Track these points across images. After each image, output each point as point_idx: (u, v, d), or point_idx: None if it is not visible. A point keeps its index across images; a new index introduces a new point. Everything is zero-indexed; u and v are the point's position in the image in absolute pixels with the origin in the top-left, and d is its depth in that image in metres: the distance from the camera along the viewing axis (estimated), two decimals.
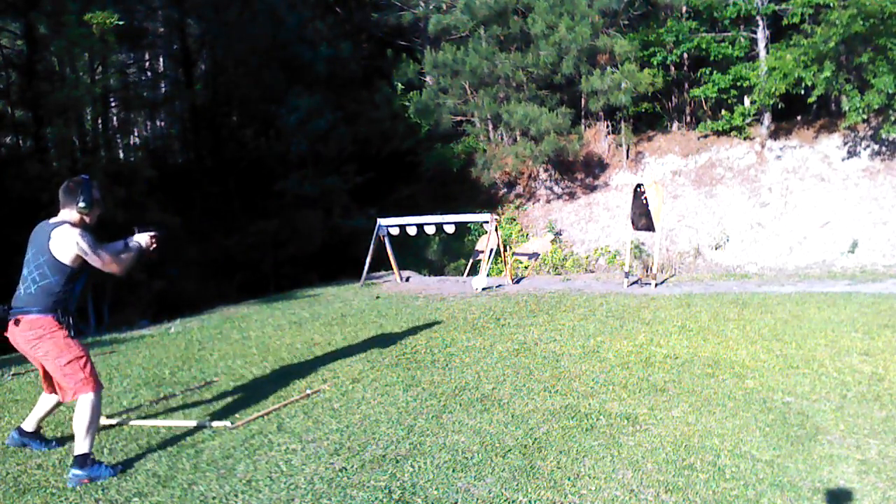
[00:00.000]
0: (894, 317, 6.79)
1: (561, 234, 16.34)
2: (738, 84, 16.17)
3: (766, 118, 16.40)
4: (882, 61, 13.50)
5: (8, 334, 3.56)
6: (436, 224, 10.98)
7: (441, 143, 18.14)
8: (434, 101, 17.07)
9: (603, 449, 3.65)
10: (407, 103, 17.61)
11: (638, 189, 10.10)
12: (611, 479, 3.28)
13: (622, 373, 5.14)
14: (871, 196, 14.48)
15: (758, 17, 16.11)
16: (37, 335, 3.47)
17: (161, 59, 25.31)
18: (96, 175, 10.78)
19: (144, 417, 4.45)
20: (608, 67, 16.39)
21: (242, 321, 8.45)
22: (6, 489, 3.35)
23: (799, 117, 16.93)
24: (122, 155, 21.28)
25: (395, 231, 11.28)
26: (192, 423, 4.25)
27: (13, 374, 5.87)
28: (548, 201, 17.56)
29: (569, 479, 3.28)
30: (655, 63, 16.94)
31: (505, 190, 18.25)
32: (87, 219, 3.56)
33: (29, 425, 3.87)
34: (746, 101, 16.62)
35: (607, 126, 18.12)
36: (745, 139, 16.69)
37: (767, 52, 15.88)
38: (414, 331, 7.14)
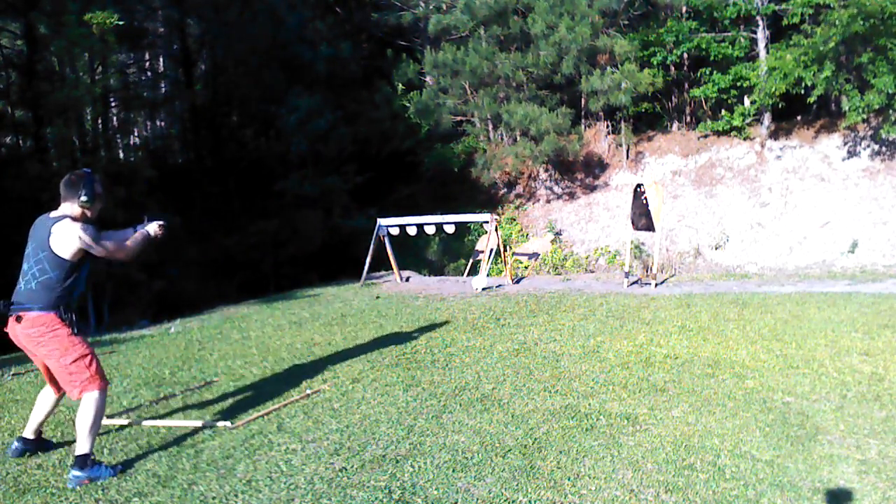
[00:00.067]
0: (894, 317, 6.79)
1: (561, 234, 16.34)
2: (738, 84, 16.17)
3: (766, 118, 16.40)
4: (882, 61, 13.49)
5: (8, 330, 3.52)
6: (436, 224, 10.98)
7: (441, 143, 18.14)
8: (434, 101, 17.06)
9: (603, 449, 3.65)
10: (407, 103, 17.60)
11: (638, 189, 10.10)
12: (611, 479, 3.28)
13: (622, 373, 5.14)
14: (871, 196, 14.47)
15: (758, 17, 16.11)
16: (39, 332, 3.42)
17: (161, 59, 25.32)
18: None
19: (153, 417, 4.45)
20: (608, 67, 16.39)
21: (242, 321, 8.46)
22: (6, 489, 3.35)
23: (799, 117, 16.93)
24: (122, 155, 21.29)
25: (395, 231, 11.28)
26: (199, 424, 4.25)
27: (13, 374, 5.87)
28: (548, 201, 17.56)
29: (569, 479, 3.28)
30: (655, 63, 16.93)
31: (505, 190, 18.25)
32: (88, 213, 3.52)
33: (29, 432, 3.80)
34: (746, 101, 16.62)
35: (607, 126, 18.12)
36: (745, 139, 16.69)
37: (767, 52, 15.87)
38: (414, 331, 7.14)
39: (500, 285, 10.73)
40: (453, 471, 3.41)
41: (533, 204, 17.68)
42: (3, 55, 15.07)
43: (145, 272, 13.53)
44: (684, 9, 17.20)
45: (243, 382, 5.30)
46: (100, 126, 16.96)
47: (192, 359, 6.25)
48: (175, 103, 22.50)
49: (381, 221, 11.31)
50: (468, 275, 12.50)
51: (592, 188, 17.39)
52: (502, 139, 18.16)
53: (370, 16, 20.23)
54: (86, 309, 12.67)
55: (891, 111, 13.95)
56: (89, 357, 3.50)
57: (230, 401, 4.79)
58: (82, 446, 3.42)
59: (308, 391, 4.89)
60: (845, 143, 15.57)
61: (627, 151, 17.57)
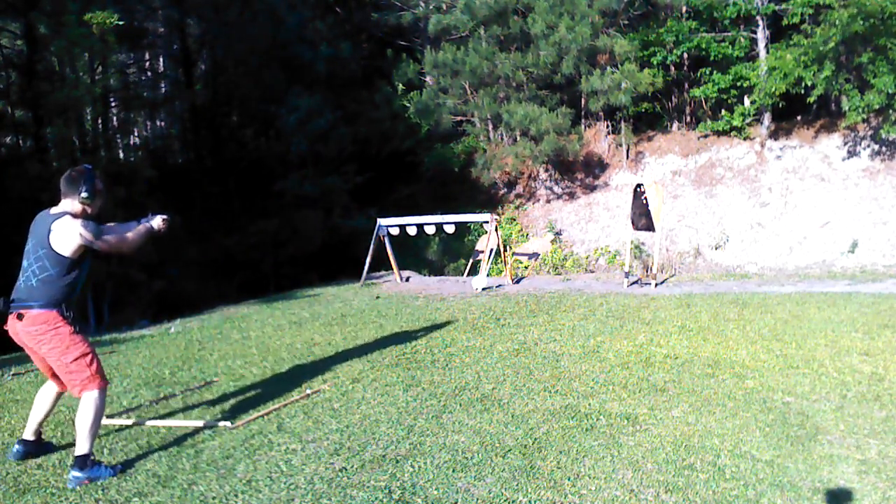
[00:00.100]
0: (894, 317, 6.79)
1: (561, 234, 16.34)
2: (738, 84, 16.17)
3: (766, 118, 16.40)
4: (882, 61, 13.49)
5: (8, 328, 3.49)
6: (436, 224, 10.98)
7: (441, 143, 18.14)
8: (434, 101, 17.06)
9: (603, 449, 3.65)
10: (407, 103, 17.60)
11: (638, 189, 10.10)
12: (611, 479, 3.28)
13: (622, 373, 5.14)
14: (871, 196, 14.47)
15: (758, 17, 16.11)
16: (41, 330, 3.39)
17: (161, 59, 25.32)
18: None
19: (153, 418, 4.44)
20: (608, 67, 16.39)
21: (242, 321, 8.46)
22: (6, 489, 3.35)
23: (799, 117, 16.93)
24: (122, 155, 21.31)
25: (395, 231, 11.28)
26: (200, 423, 4.25)
27: (13, 374, 5.87)
28: (548, 201, 17.56)
29: (569, 479, 3.28)
30: (655, 63, 16.93)
31: (505, 190, 18.25)
32: (89, 209, 3.50)
33: (29, 433, 3.77)
34: (746, 101, 16.62)
35: (607, 126, 18.11)
36: (745, 139, 16.69)
37: (767, 52, 15.87)
38: (414, 331, 7.14)
39: (500, 285, 10.73)
40: (453, 471, 3.41)
41: (533, 204, 17.68)
42: (3, 55, 15.07)
43: (145, 272, 13.54)
44: (684, 9, 17.20)
45: (243, 382, 5.30)
46: (100, 126, 16.97)
47: (192, 359, 6.25)
48: (175, 103, 22.51)
49: (381, 221, 11.31)
50: (468, 275, 12.50)
51: (592, 188, 17.39)
52: (502, 139, 18.16)
53: (370, 16, 20.24)
54: (86, 309, 12.68)
55: (891, 111, 13.95)
56: (90, 356, 3.48)
57: (230, 401, 4.79)
58: (82, 446, 3.41)
59: (308, 391, 4.89)
60: (845, 143, 15.57)
61: (627, 151, 17.57)
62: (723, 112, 16.90)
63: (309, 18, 19.03)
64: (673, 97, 18.42)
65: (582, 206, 17.05)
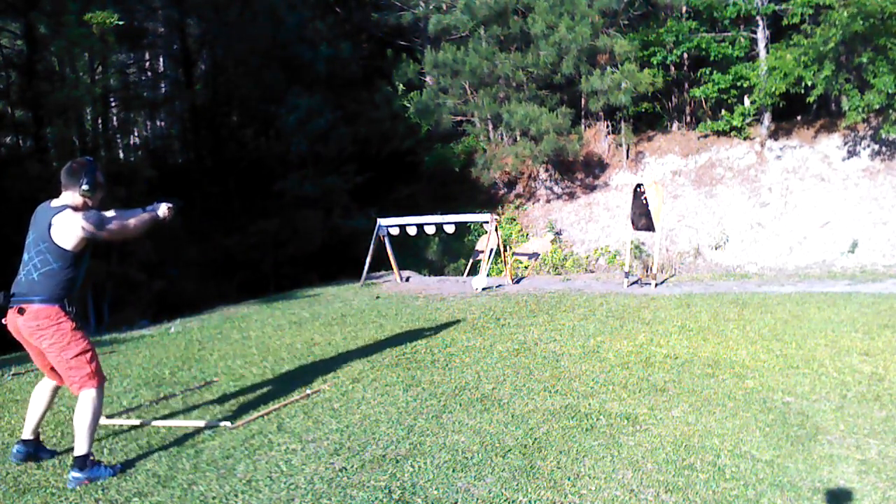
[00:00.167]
0: (894, 317, 6.79)
1: (561, 234, 16.34)
2: (738, 84, 16.17)
3: (766, 118, 16.40)
4: (882, 61, 13.49)
5: (7, 322, 3.45)
6: (436, 224, 10.98)
7: (441, 143, 18.14)
8: (434, 101, 17.06)
9: (603, 449, 3.65)
10: (407, 103, 17.60)
11: (638, 189, 10.10)
12: (611, 479, 3.28)
13: (622, 373, 5.14)
14: (871, 196, 14.47)
15: (758, 17, 16.10)
16: (42, 326, 3.36)
17: (161, 59, 25.33)
18: None
19: (154, 418, 4.45)
20: (608, 67, 16.39)
21: (242, 321, 8.46)
22: (6, 489, 3.35)
23: (799, 117, 16.92)
24: (122, 155, 21.33)
25: (395, 231, 11.29)
26: (201, 424, 4.25)
27: (13, 374, 5.87)
28: (548, 201, 17.56)
29: (569, 479, 3.28)
30: (655, 63, 16.93)
31: (505, 190, 18.25)
32: (90, 202, 3.47)
33: (28, 432, 3.72)
34: (746, 101, 16.61)
35: (607, 126, 18.11)
36: (745, 139, 16.68)
37: (767, 52, 15.87)
38: (414, 331, 7.14)
39: (500, 285, 10.73)
40: (453, 471, 3.41)
41: (533, 204, 17.67)
42: (3, 55, 15.08)
43: (145, 272, 13.54)
44: (684, 9, 17.19)
45: (243, 382, 5.30)
46: (100, 126, 16.98)
47: (192, 359, 6.25)
48: (175, 103, 22.52)
49: (381, 221, 11.31)
50: (468, 275, 12.50)
51: (592, 188, 17.39)
52: (502, 139, 18.16)
53: (370, 16, 20.23)
54: (86, 309, 12.68)
55: (891, 111, 13.95)
56: (90, 353, 3.46)
57: (230, 401, 4.79)
58: (81, 446, 3.39)
59: (308, 391, 4.89)
60: (845, 143, 15.57)
61: (627, 151, 17.57)
62: (723, 112, 16.89)
63: (309, 18, 19.04)
64: (673, 97, 18.41)
65: (582, 206, 17.05)
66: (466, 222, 12.86)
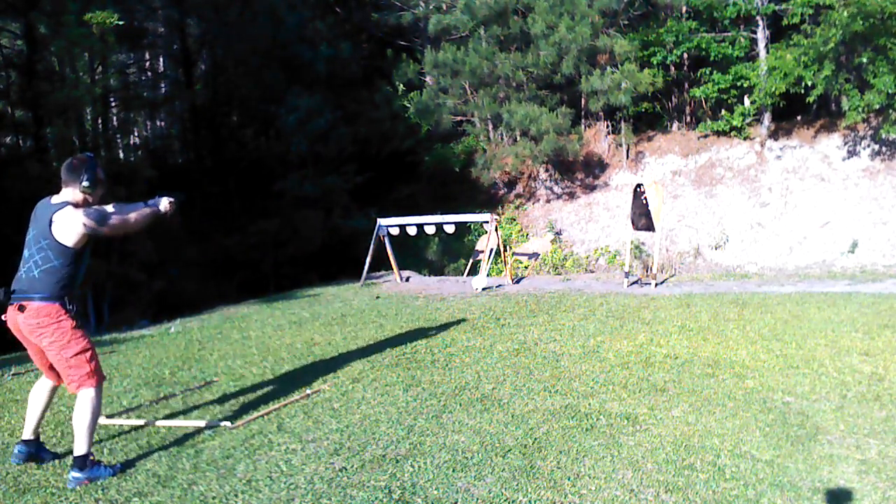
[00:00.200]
0: (894, 317, 6.79)
1: (561, 234, 16.34)
2: (738, 84, 16.17)
3: (766, 118, 16.40)
4: (882, 61, 13.49)
5: (7, 319, 3.43)
6: (436, 224, 10.98)
7: (441, 143, 18.14)
8: (434, 101, 17.06)
9: (603, 449, 3.65)
10: (407, 103, 17.60)
11: (638, 189, 10.10)
12: (611, 479, 3.28)
13: (622, 373, 5.14)
14: (871, 196, 14.47)
15: (758, 17, 16.10)
16: (43, 323, 3.34)
17: (161, 59, 25.33)
18: None
19: (154, 418, 4.45)
20: (608, 67, 16.39)
21: (242, 321, 8.45)
22: (6, 489, 3.35)
23: (799, 117, 16.92)
24: (122, 155, 21.34)
25: (395, 231, 11.29)
26: (201, 423, 4.25)
27: (13, 374, 5.87)
28: (548, 201, 17.56)
29: (569, 479, 3.28)
30: (655, 63, 16.93)
31: (505, 190, 18.25)
32: (90, 199, 3.46)
33: (28, 433, 3.70)
34: (746, 101, 16.62)
35: (607, 126, 18.11)
36: (744, 139, 16.68)
37: (767, 52, 15.87)
38: (414, 331, 7.14)
39: (500, 285, 10.73)
40: (453, 471, 3.41)
41: (533, 204, 17.68)
42: (3, 55, 15.08)
43: (145, 272, 13.54)
44: (684, 9, 17.20)
45: (243, 382, 5.30)
46: (100, 126, 16.98)
47: (192, 359, 6.25)
48: (175, 103, 22.52)
49: (381, 221, 11.31)
50: (468, 275, 12.50)
51: (592, 188, 17.39)
52: (502, 139, 18.16)
53: (370, 16, 20.24)
54: (86, 309, 12.68)
55: (891, 111, 13.95)
56: (90, 352, 3.45)
57: (230, 401, 4.79)
58: (80, 446, 3.39)
59: (308, 391, 4.89)
60: (845, 143, 15.57)
61: (627, 151, 17.57)
62: (723, 112, 16.89)
63: (309, 18, 19.03)
64: (673, 97, 18.41)
65: (582, 206, 17.05)
66: (466, 222, 12.86)
